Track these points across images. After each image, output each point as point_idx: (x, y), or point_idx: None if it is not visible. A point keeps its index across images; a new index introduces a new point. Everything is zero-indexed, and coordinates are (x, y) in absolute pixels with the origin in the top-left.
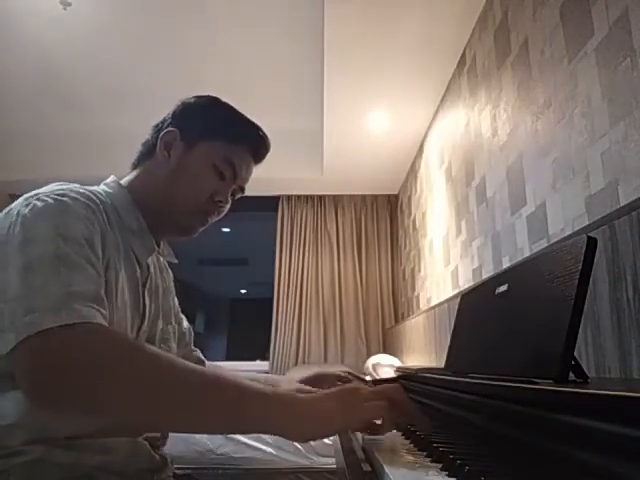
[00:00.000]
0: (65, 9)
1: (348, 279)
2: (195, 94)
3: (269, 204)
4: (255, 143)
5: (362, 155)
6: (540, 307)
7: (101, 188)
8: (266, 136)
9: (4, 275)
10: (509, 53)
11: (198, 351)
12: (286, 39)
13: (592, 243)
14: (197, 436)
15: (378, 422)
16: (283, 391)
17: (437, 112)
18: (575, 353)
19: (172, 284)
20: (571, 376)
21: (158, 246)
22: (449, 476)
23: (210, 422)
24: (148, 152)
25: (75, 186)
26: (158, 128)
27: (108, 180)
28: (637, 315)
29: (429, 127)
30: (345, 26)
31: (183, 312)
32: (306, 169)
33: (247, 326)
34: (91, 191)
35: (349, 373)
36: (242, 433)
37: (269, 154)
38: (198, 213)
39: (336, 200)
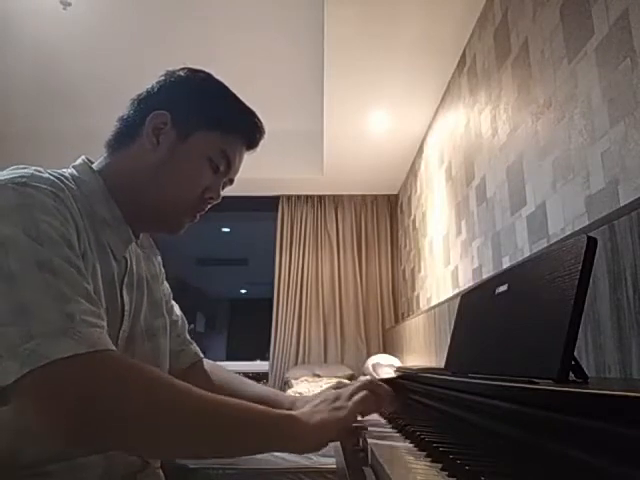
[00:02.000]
0: (65, 9)
1: (348, 279)
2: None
3: (269, 204)
4: (251, 132)
5: (362, 155)
6: (540, 307)
7: (69, 172)
8: (261, 122)
9: None
10: (509, 53)
11: (194, 345)
12: (286, 39)
13: (592, 243)
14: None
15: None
16: (282, 412)
17: (437, 112)
18: (575, 353)
19: (160, 270)
20: (571, 376)
21: (137, 237)
22: (449, 476)
23: (220, 446)
24: (130, 133)
25: (37, 170)
26: (143, 104)
27: (77, 162)
28: (637, 315)
29: (429, 127)
30: (345, 26)
31: (183, 312)
32: (306, 169)
33: (247, 326)
34: (56, 177)
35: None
36: (249, 454)
37: (269, 154)
38: (188, 210)
39: (336, 200)
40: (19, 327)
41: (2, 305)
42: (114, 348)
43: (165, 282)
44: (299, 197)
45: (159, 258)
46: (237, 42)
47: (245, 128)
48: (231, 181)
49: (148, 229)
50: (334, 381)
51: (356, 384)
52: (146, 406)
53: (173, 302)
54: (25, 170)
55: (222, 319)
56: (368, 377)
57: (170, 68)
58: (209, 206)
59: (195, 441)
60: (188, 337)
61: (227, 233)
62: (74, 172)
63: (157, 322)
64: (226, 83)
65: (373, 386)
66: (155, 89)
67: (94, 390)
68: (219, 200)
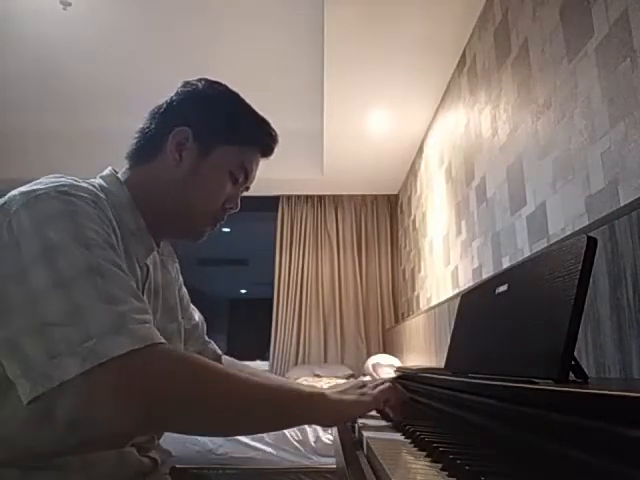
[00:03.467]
0: (65, 9)
1: (348, 279)
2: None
3: (269, 204)
4: (267, 142)
5: (362, 155)
6: (540, 307)
7: (97, 182)
8: (275, 131)
9: (23, 288)
10: (509, 53)
11: (213, 343)
12: (286, 39)
13: (592, 243)
14: (197, 436)
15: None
16: (314, 390)
17: (437, 112)
18: (575, 353)
19: (177, 276)
20: (571, 376)
21: (158, 246)
22: (449, 476)
23: (266, 424)
24: (153, 147)
25: (74, 179)
26: (164, 118)
27: (104, 173)
28: (637, 315)
29: (429, 127)
30: (345, 26)
31: None
32: (306, 169)
33: (247, 326)
34: (92, 185)
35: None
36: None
37: None
38: (210, 220)
39: (336, 200)
40: (76, 327)
41: (59, 307)
42: (163, 341)
43: (183, 287)
44: (299, 197)
45: (177, 265)
46: (237, 42)
47: (261, 140)
48: (247, 188)
49: (171, 237)
50: (334, 381)
51: (379, 380)
52: (199, 389)
53: (193, 307)
54: (64, 179)
55: (222, 319)
56: (368, 377)
57: (171, 72)
58: (228, 214)
59: (240, 420)
60: (206, 338)
61: (227, 233)
62: (102, 183)
63: (171, 327)
64: (226, 83)
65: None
66: (175, 102)
67: (153, 379)
68: (237, 209)
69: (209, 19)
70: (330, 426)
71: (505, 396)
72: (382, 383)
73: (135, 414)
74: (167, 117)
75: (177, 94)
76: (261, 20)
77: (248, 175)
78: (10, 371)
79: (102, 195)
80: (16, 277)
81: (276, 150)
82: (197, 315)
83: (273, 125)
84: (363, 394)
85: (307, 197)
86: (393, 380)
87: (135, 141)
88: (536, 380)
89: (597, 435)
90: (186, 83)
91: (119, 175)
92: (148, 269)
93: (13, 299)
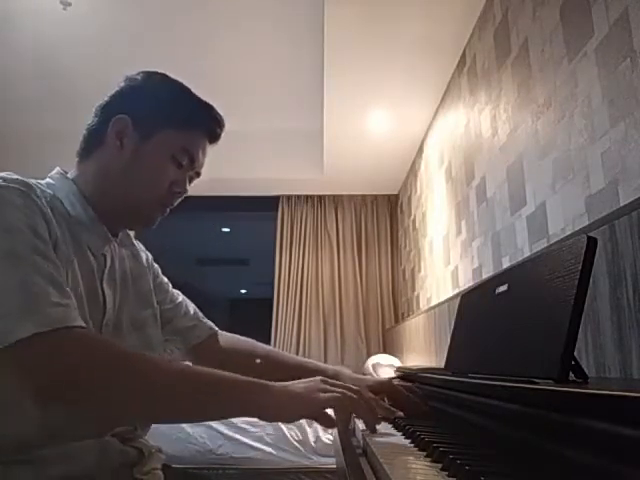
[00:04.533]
0: (65, 9)
1: (348, 279)
2: (140, 71)
3: (269, 204)
4: (211, 126)
5: (362, 155)
6: (540, 307)
7: (45, 181)
8: (221, 116)
9: None
10: (509, 53)
11: (205, 319)
12: (286, 39)
13: (592, 243)
14: (197, 436)
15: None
16: (256, 380)
17: (437, 112)
18: (575, 353)
19: (146, 268)
20: (571, 376)
21: (115, 236)
22: (449, 476)
23: (198, 414)
24: (96, 140)
25: (10, 174)
26: (105, 111)
27: (53, 172)
28: (637, 315)
29: (429, 127)
30: (345, 26)
31: None
32: (306, 169)
33: (247, 326)
34: (28, 180)
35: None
36: (225, 418)
37: (269, 154)
38: (157, 204)
39: (336, 200)
40: None
41: None
42: (79, 324)
43: (161, 275)
44: (299, 197)
45: (147, 255)
46: (237, 42)
47: (204, 123)
48: (197, 174)
49: (123, 225)
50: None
51: (377, 379)
52: (103, 374)
53: (173, 290)
54: (3, 174)
55: (222, 319)
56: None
57: (171, 72)
58: (179, 199)
59: (149, 406)
60: (200, 314)
61: (227, 233)
62: (49, 180)
63: (144, 313)
64: (226, 83)
65: (388, 388)
66: (115, 96)
67: (55, 363)
68: (187, 193)
69: (209, 19)
70: (274, 421)
71: (505, 396)
72: (367, 388)
73: (35, 394)
74: (108, 110)
75: (117, 88)
76: (261, 20)
77: (193, 159)
78: None
79: (48, 190)
80: None
81: (276, 149)
82: (179, 295)
83: (274, 125)
84: (321, 390)
85: (307, 197)
86: (394, 385)
87: (81, 138)
88: (536, 380)
89: (597, 435)
90: (126, 77)
91: (69, 174)
92: (105, 258)
93: None
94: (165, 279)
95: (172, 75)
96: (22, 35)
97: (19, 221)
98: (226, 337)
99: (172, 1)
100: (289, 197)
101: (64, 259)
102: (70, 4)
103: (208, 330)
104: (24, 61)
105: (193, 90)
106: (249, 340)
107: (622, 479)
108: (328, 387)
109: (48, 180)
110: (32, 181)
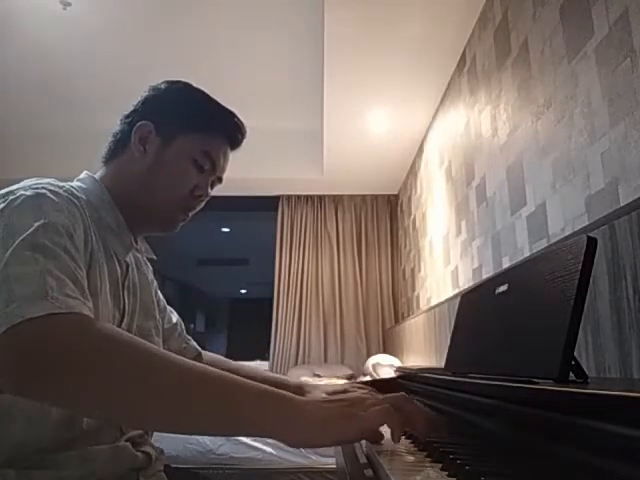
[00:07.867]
0: (65, 9)
1: (348, 279)
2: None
3: (269, 204)
4: (232, 131)
5: (362, 155)
6: (540, 307)
7: (76, 184)
8: (242, 122)
9: None
10: (509, 53)
11: (192, 341)
12: (286, 39)
13: (592, 243)
14: (197, 436)
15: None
16: (280, 392)
17: (437, 112)
18: (575, 353)
19: (153, 278)
20: (571, 376)
21: (135, 242)
22: (449, 476)
23: (197, 420)
24: (121, 146)
25: (53, 180)
26: (130, 119)
27: (82, 176)
28: (637, 315)
29: (429, 127)
30: (345, 26)
31: (183, 312)
32: (306, 169)
33: (247, 326)
34: (71, 187)
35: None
36: (234, 434)
37: (269, 154)
38: (180, 209)
39: (336, 200)
40: (3, 296)
41: None
42: (91, 315)
43: (159, 292)
44: (299, 197)
45: (150, 268)
46: (237, 42)
47: (225, 128)
48: (219, 179)
49: (145, 230)
50: (334, 381)
51: (383, 396)
52: (113, 363)
53: (169, 307)
54: (41, 180)
55: (222, 319)
56: (368, 377)
57: (171, 72)
58: (201, 204)
59: (144, 402)
60: (186, 335)
61: (227, 233)
62: (81, 184)
63: (148, 324)
64: (226, 83)
65: (401, 401)
66: (139, 104)
67: (60, 344)
68: (208, 197)
69: (209, 19)
70: (296, 447)
71: (505, 396)
72: (380, 401)
73: (39, 375)
74: (132, 118)
75: (141, 97)
76: (261, 20)
77: (215, 163)
78: None
79: (82, 195)
80: None
81: (276, 149)
82: (175, 317)
83: (274, 125)
84: (351, 414)
85: (307, 197)
86: (405, 396)
87: (107, 145)
88: (536, 380)
89: (597, 435)
90: (150, 86)
91: (96, 176)
92: (128, 265)
93: None
94: (161, 296)
95: (172, 76)
96: (22, 35)
97: (58, 220)
98: (207, 356)
99: (172, 1)
100: (289, 197)
101: (96, 264)
102: (70, 4)
103: (194, 352)
104: (24, 61)
105: None
106: (222, 358)
107: (622, 479)
108: (358, 409)
109: (79, 184)
110: (69, 184)
